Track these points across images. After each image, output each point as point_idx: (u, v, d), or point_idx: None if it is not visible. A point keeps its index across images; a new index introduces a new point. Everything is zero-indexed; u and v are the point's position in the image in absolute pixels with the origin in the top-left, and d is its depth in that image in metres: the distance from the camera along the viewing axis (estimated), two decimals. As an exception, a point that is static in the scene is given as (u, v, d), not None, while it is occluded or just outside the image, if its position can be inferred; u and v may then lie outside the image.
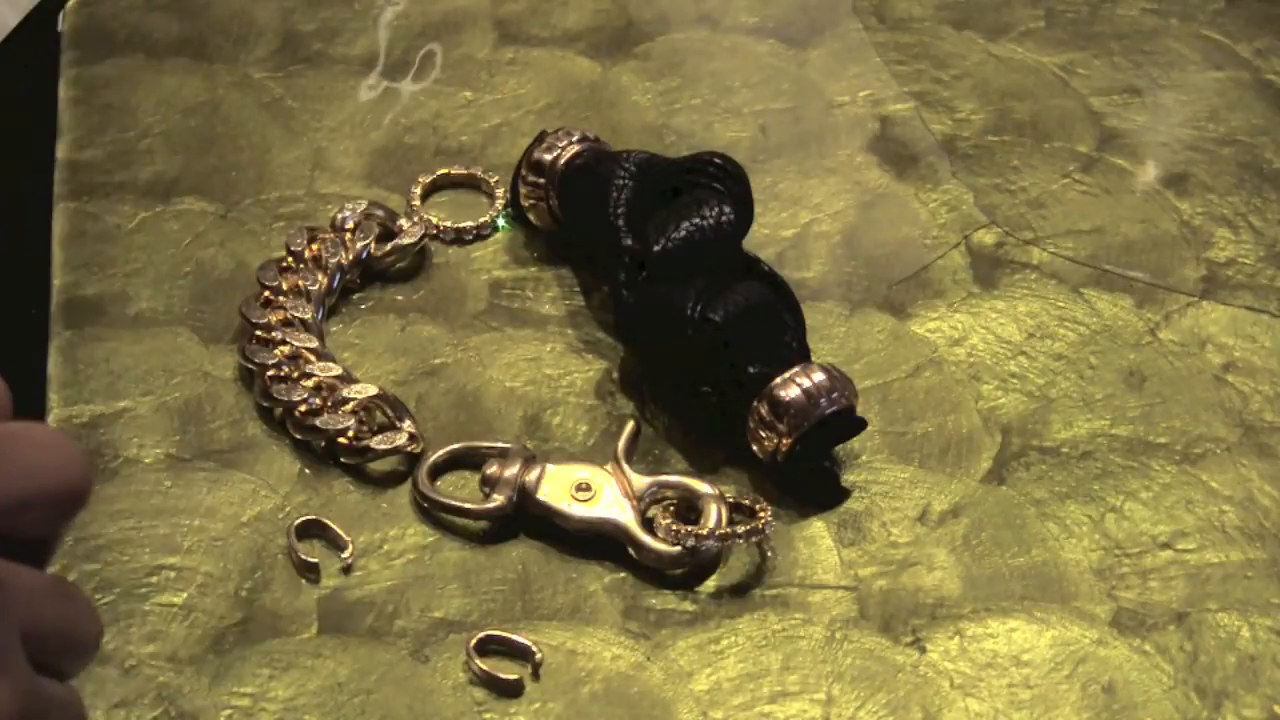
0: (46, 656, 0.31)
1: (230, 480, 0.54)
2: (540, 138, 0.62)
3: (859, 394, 0.54)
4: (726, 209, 0.57)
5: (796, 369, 0.52)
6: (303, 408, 0.54)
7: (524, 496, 0.52)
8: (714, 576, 0.52)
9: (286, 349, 0.56)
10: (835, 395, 0.52)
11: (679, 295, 0.54)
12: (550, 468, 0.53)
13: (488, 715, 0.48)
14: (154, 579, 0.51)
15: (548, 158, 0.61)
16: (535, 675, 0.49)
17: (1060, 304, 0.62)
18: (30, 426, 0.30)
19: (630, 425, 0.55)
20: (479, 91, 0.70)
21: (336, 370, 0.55)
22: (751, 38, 0.74)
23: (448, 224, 0.63)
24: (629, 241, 0.57)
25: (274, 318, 0.57)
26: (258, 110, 0.68)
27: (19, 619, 0.30)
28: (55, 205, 0.64)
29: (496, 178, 0.65)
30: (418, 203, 0.63)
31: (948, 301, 0.62)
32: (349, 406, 0.54)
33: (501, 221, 0.64)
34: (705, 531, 0.51)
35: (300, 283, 0.58)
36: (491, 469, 0.53)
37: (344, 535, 0.52)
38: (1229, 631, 0.51)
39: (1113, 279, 0.63)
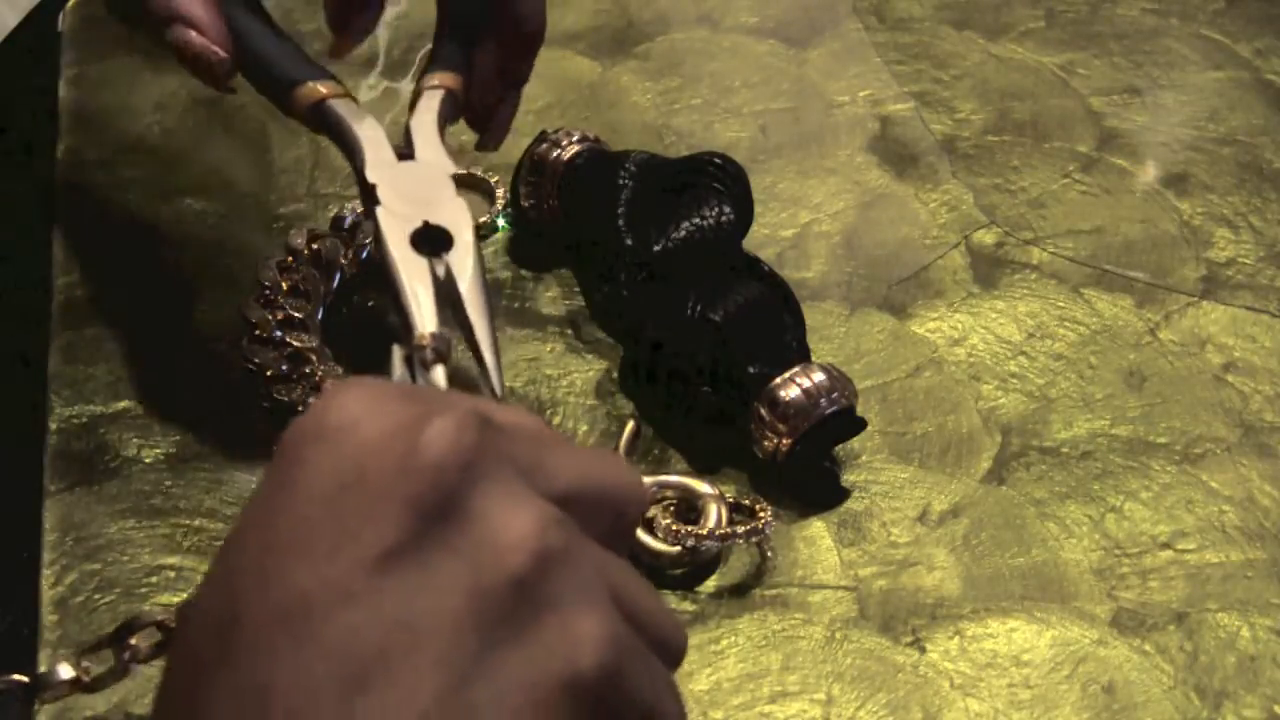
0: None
1: (230, 480, 0.54)
2: (540, 138, 0.62)
3: (859, 394, 0.54)
4: (726, 209, 0.57)
5: (796, 369, 0.52)
6: (302, 407, 0.54)
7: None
8: (714, 576, 0.52)
9: (286, 349, 0.56)
10: (835, 395, 0.52)
11: (679, 295, 0.54)
12: (550, 468, 0.52)
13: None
14: (154, 579, 0.51)
15: (548, 158, 0.61)
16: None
17: (1060, 304, 0.62)
18: (600, 450, 0.31)
19: (630, 425, 0.55)
20: (479, 91, 0.70)
21: (337, 370, 0.55)
22: (751, 38, 0.74)
23: (448, 224, 0.63)
24: (629, 241, 0.57)
25: (274, 317, 0.57)
26: (258, 110, 0.68)
27: (609, 584, 0.30)
28: (55, 206, 0.64)
29: (496, 178, 0.64)
30: (418, 203, 0.63)
31: (948, 301, 0.62)
32: (349, 406, 0.54)
33: (501, 221, 0.64)
34: (705, 531, 0.51)
35: (300, 283, 0.58)
36: (491, 469, 0.53)
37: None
38: (1229, 631, 0.51)
39: (1113, 279, 0.63)
